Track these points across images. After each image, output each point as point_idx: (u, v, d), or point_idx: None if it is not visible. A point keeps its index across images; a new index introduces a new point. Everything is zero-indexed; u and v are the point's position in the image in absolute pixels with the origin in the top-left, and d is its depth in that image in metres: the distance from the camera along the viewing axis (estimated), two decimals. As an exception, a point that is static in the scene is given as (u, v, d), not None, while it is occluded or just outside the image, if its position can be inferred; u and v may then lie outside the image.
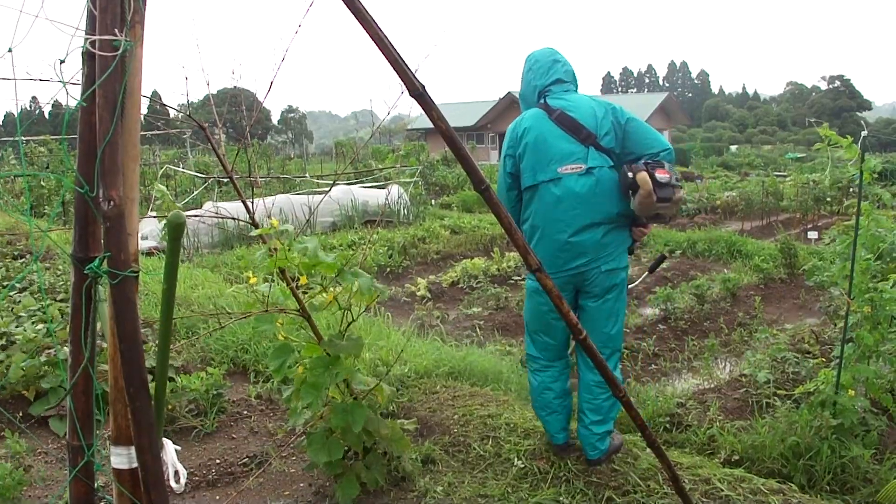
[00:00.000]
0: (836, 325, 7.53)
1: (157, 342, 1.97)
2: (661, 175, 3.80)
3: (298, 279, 3.82)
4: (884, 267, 5.51)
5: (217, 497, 4.16)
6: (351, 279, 3.67)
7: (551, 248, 4.06)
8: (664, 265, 11.07)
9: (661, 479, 4.17)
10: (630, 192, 3.91)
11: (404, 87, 1.87)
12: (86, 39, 1.59)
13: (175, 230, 1.71)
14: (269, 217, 3.94)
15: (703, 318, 8.60)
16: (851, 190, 16.87)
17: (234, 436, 4.92)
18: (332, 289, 3.89)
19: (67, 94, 1.60)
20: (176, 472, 1.85)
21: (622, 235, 4.18)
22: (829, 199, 16.74)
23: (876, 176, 5.09)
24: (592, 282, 4.09)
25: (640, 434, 5.18)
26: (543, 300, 4.11)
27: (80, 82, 1.66)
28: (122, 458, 1.78)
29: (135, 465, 1.71)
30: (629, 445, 4.59)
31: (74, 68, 1.68)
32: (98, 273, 1.62)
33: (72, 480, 1.80)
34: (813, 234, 13.07)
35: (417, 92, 1.87)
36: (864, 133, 5.01)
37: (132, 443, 1.68)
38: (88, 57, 1.62)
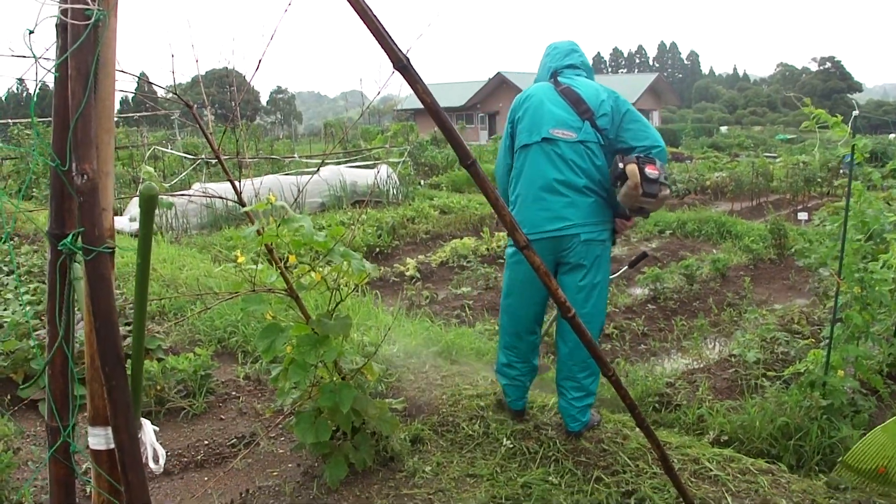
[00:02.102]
0: (825, 305, 7.54)
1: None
2: (650, 170, 3.90)
3: (287, 258, 3.78)
4: (874, 248, 5.50)
5: (205, 478, 4.13)
6: (340, 259, 3.63)
7: (535, 208, 4.12)
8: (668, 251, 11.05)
9: (650, 460, 4.17)
10: (618, 182, 4.02)
11: (389, 59, 1.82)
12: (58, 9, 1.54)
13: (147, 203, 1.66)
14: (257, 197, 3.90)
15: (693, 298, 8.60)
16: (842, 171, 16.92)
17: (222, 417, 4.89)
18: (320, 268, 3.85)
19: (38, 68, 1.55)
20: (155, 453, 1.80)
21: (606, 212, 4.23)
22: (819, 180, 16.75)
23: (867, 156, 5.07)
24: (571, 250, 4.11)
25: (629, 414, 5.23)
26: (521, 270, 4.22)
27: (54, 56, 1.62)
28: (99, 438, 1.74)
29: (112, 445, 1.67)
30: (618, 426, 4.59)
31: (50, 42, 1.64)
32: (72, 249, 1.57)
33: (50, 461, 1.76)
34: (803, 216, 13.06)
35: (402, 64, 1.82)
36: (855, 113, 4.99)
37: (109, 423, 1.64)
38: (61, 29, 1.57)
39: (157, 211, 5.76)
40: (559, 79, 4.35)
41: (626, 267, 5.95)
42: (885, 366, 5.51)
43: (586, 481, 4.03)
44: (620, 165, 3.96)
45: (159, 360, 5.15)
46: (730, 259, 9.88)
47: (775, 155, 25.40)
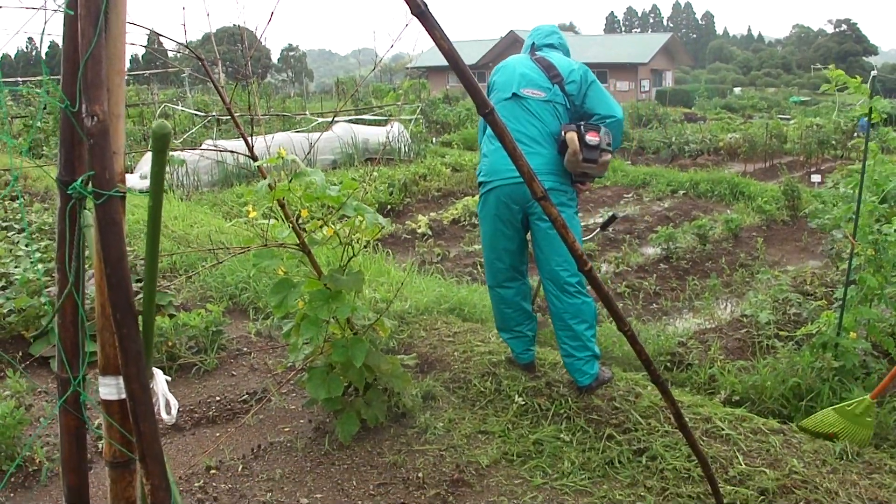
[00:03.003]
0: (838, 267, 7.48)
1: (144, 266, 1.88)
2: (590, 137, 4.20)
3: (299, 213, 3.75)
4: (887, 210, 5.44)
5: (217, 434, 4.15)
6: (354, 213, 3.60)
7: (502, 158, 4.11)
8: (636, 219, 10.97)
9: (661, 418, 4.16)
10: (562, 149, 4.27)
11: (406, 5, 1.77)
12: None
13: (159, 142, 1.60)
14: (268, 153, 3.86)
15: (705, 258, 8.54)
16: (856, 134, 16.73)
17: (233, 373, 4.90)
18: (332, 224, 3.82)
19: (46, 16, 1.53)
20: (167, 403, 1.77)
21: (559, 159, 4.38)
22: (833, 142, 16.56)
23: (885, 116, 4.98)
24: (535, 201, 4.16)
25: (641, 372, 5.21)
26: (488, 223, 4.46)
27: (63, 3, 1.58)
28: (110, 388, 1.72)
29: (123, 395, 1.64)
30: (630, 384, 4.57)
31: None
32: (82, 193, 1.54)
33: (61, 413, 1.74)
34: (816, 178, 12.94)
35: (419, 10, 1.77)
36: (873, 73, 4.91)
37: (120, 372, 1.61)
38: (71, -31, 1.53)
39: (168, 168, 5.73)
40: (536, 52, 4.65)
41: (599, 230, 5.98)
42: (896, 327, 5.47)
43: (598, 439, 4.03)
44: (562, 133, 4.23)
45: (171, 316, 5.15)
46: (743, 220, 9.78)
47: (789, 117, 25.14)
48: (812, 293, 6.80)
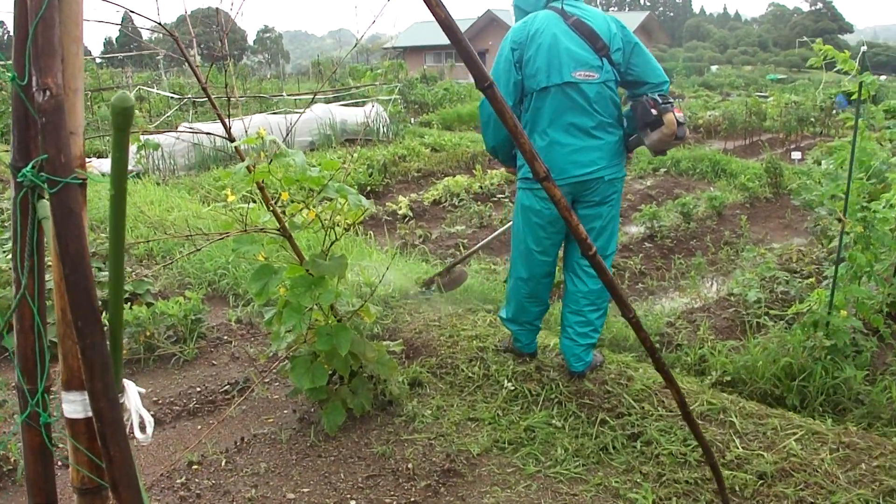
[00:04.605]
0: (823, 244, 7.42)
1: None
2: (679, 115, 3.89)
3: (279, 196, 3.60)
4: (874, 186, 5.38)
5: (198, 427, 4.00)
6: (336, 194, 3.46)
7: (560, 155, 3.91)
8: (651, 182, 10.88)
9: (655, 402, 4.07)
10: (647, 127, 3.94)
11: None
12: None
13: (120, 117, 1.36)
14: (246, 134, 3.72)
15: (690, 236, 8.47)
16: (835, 111, 16.74)
17: (214, 362, 4.75)
18: (313, 206, 3.68)
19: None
20: (141, 420, 1.55)
21: (623, 148, 4.10)
22: (812, 119, 16.55)
23: (874, 94, 4.91)
24: (594, 190, 4.01)
25: (632, 353, 5.12)
26: (538, 213, 4.06)
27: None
28: (75, 405, 1.51)
29: (90, 413, 1.43)
30: (622, 366, 4.48)
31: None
32: (34, 181, 1.35)
33: (23, 428, 1.56)
34: (796, 155, 12.91)
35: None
36: (863, 49, 4.83)
37: (86, 387, 1.40)
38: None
39: (143, 153, 5.50)
40: (565, 8, 4.03)
41: None
42: (885, 306, 5.41)
43: (591, 424, 3.94)
44: (654, 112, 3.87)
45: (148, 304, 4.99)
46: (726, 197, 9.71)
47: (766, 94, 25.17)
48: (798, 271, 6.74)
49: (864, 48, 4.79)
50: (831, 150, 11.94)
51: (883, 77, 33.54)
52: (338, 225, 3.81)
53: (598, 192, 4.03)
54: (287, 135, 5.76)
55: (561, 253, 4.37)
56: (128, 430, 1.49)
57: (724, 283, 6.97)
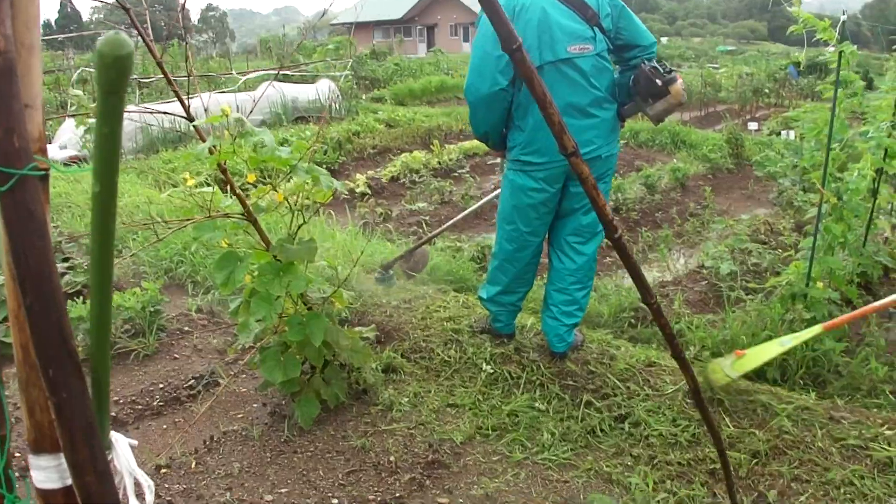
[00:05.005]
0: (790, 215, 7.39)
1: (89, 276, 1.10)
2: (681, 82, 3.78)
3: (246, 178, 3.38)
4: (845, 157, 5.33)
5: (164, 426, 3.76)
6: (306, 175, 3.26)
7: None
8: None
9: (640, 381, 3.96)
10: (651, 98, 3.76)
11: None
12: None
13: (112, 72, 0.94)
14: (207, 112, 3.49)
15: (655, 208, 8.40)
16: (788, 83, 16.86)
17: (176, 355, 4.49)
18: (281, 188, 3.47)
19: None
20: (137, 485, 1.23)
21: (618, 121, 3.90)
22: (766, 90, 16.63)
23: (852, 68, 4.85)
24: (591, 169, 3.80)
25: (608, 329, 5.01)
26: (532, 193, 3.86)
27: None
28: (48, 472, 1.12)
29: (69, 482, 1.06)
30: (603, 345, 4.36)
31: None
32: None
33: None
34: (753, 125, 12.97)
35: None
36: (843, 17, 4.77)
37: (60, 448, 1.05)
38: None
39: (87, 136, 5.18)
40: None
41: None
42: (855, 275, 5.38)
43: (576, 406, 3.81)
44: (659, 83, 3.69)
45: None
46: (688, 169, 9.66)
47: (717, 66, 25.29)
48: (766, 242, 6.69)
49: (843, 17, 4.72)
50: (787, 120, 11.98)
51: (831, 48, 33.92)
52: (306, 207, 3.61)
53: (594, 169, 3.83)
54: (250, 113, 5.50)
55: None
56: (121, 496, 1.16)
57: (693, 256, 6.90)
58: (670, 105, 3.77)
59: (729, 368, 3.82)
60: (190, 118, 3.28)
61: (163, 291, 5.02)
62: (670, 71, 3.73)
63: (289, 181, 3.48)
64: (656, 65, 3.73)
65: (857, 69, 5.16)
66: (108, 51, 0.91)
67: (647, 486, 3.19)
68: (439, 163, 10.63)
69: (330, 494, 3.19)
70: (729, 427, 3.53)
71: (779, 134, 11.38)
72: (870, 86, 11.46)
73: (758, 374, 4.42)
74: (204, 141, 3.20)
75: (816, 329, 3.89)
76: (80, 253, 5.75)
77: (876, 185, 5.32)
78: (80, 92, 4.52)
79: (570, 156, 1.64)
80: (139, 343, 4.47)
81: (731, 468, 3.23)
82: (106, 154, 1.01)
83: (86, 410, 1.00)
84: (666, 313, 5.13)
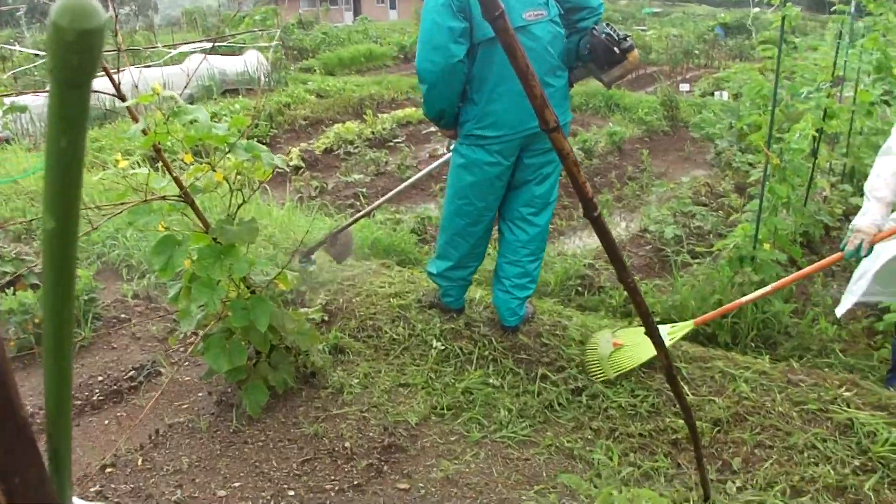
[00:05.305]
0: (729, 176, 7.42)
1: (43, 300, 0.74)
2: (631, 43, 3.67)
3: (181, 158, 3.18)
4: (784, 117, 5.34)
5: (106, 422, 3.56)
6: (246, 154, 3.08)
7: (514, 106, 3.55)
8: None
9: (595, 353, 3.90)
10: (606, 65, 3.63)
11: None
12: None
13: (74, 51, 0.63)
14: (136, 89, 3.29)
15: (593, 173, 8.35)
16: (717, 44, 17.01)
17: (114, 345, 4.27)
18: (220, 167, 3.28)
19: None
20: None
21: (568, 88, 3.79)
22: (696, 52, 16.73)
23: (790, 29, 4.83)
24: (544, 139, 3.67)
25: (555, 298, 4.94)
26: (485, 169, 3.72)
27: None
28: None
29: None
30: (554, 316, 4.29)
31: None
32: None
33: None
34: (685, 87, 13.01)
35: None
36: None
37: None
38: None
39: (8, 117, 4.86)
40: None
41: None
42: (798, 235, 5.42)
43: (531, 381, 3.73)
44: (617, 51, 3.56)
45: (34, 287, 4.49)
46: (624, 132, 9.62)
47: (645, 28, 25.43)
48: (707, 204, 6.70)
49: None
50: (719, 81, 12.08)
51: (756, 9, 34.41)
52: (245, 186, 3.43)
53: (546, 139, 3.71)
54: (186, 85, 5.25)
55: None
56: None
57: (634, 220, 6.88)
58: (626, 70, 3.68)
59: (607, 364, 3.74)
60: (121, 97, 3.07)
61: (97, 277, 4.79)
62: (625, 37, 3.61)
63: (228, 159, 3.30)
64: (610, 31, 3.60)
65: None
66: (69, 24, 0.62)
67: (611, 460, 3.13)
68: (373, 133, 10.44)
69: (285, 486, 3.06)
70: (689, 395, 3.49)
71: (712, 94, 11.43)
72: (795, 46, 11.60)
73: (709, 338, 4.42)
74: (136, 121, 3.00)
75: (688, 324, 3.81)
76: (8, 240, 5.46)
77: (816, 146, 5.34)
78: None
79: (552, 131, 1.52)
80: (74, 334, 4.24)
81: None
82: (63, 177, 0.73)
83: (45, 497, 0.81)
84: (612, 280, 5.13)
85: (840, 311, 4.00)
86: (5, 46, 15.61)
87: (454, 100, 3.61)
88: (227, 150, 3.08)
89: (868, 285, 3.83)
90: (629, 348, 3.72)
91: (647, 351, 3.54)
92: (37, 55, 15.07)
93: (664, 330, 3.68)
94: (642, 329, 3.33)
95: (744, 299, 3.82)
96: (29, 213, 6.08)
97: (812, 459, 3.07)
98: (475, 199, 3.82)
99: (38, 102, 10.28)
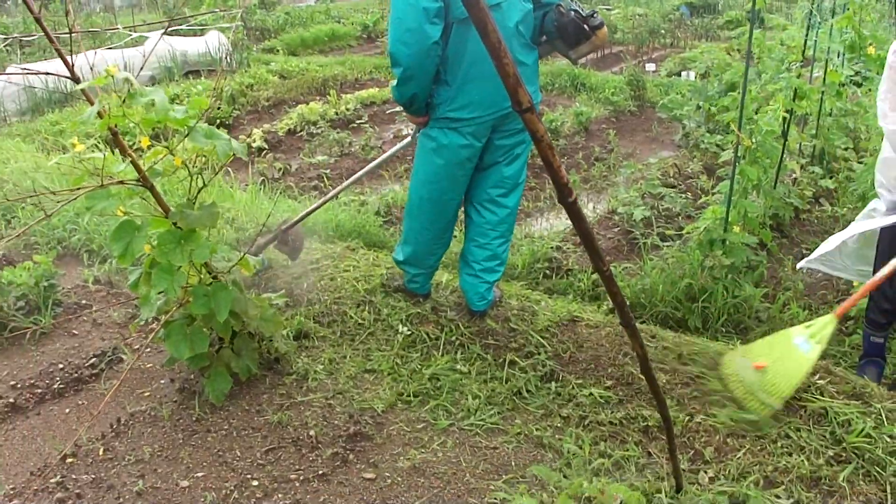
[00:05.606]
0: (697, 157, 7.40)
1: None
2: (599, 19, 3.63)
3: (138, 142, 3.07)
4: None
5: (66, 410, 3.47)
6: (206, 141, 2.98)
7: (488, 86, 3.46)
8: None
9: (564, 338, 3.89)
10: (575, 42, 3.59)
11: None
12: None
13: None
14: (93, 71, 3.16)
15: (560, 153, 8.27)
16: (682, 23, 17.00)
17: (74, 332, 4.15)
18: (179, 151, 3.17)
19: None
20: None
21: (537, 65, 3.72)
22: (662, 31, 16.69)
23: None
24: (515, 119, 3.60)
25: (522, 281, 4.89)
26: (453, 152, 3.64)
27: None
28: None
29: None
30: (523, 300, 4.25)
31: None
32: None
33: None
34: (651, 66, 12.96)
35: None
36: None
37: None
38: None
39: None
40: None
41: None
42: (768, 218, 5.41)
43: (499, 367, 3.69)
44: (587, 28, 3.51)
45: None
46: (591, 112, 9.55)
47: (610, 7, 25.39)
48: (676, 185, 6.67)
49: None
50: (685, 61, 12.06)
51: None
52: (205, 168, 3.33)
53: (518, 119, 3.63)
54: (141, 69, 5.11)
55: None
56: None
57: (601, 202, 6.84)
58: (595, 47, 3.65)
59: (762, 394, 3.07)
60: (75, 79, 2.95)
61: (56, 263, 4.65)
62: (593, 14, 3.55)
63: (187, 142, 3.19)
64: (577, 7, 3.53)
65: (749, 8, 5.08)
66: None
67: (581, 449, 3.08)
68: (336, 113, 10.29)
69: (249, 476, 2.99)
70: (661, 382, 3.46)
71: (678, 74, 11.39)
72: (761, 23, 11.60)
73: (678, 323, 4.39)
74: (92, 104, 2.88)
75: (830, 320, 3.38)
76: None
77: (786, 127, 5.33)
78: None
79: (525, 112, 1.46)
80: (34, 320, 4.12)
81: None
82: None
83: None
84: (580, 263, 5.09)
85: (802, 264, 3.95)
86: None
87: (428, 83, 3.49)
88: (185, 133, 2.98)
89: (837, 258, 3.81)
90: (775, 366, 3.15)
91: (797, 361, 3.08)
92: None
93: (803, 332, 3.10)
94: (768, 338, 3.15)
95: (878, 276, 3.22)
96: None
97: (786, 449, 3.05)
98: (445, 183, 3.74)
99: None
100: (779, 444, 3.07)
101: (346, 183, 4.71)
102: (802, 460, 2.99)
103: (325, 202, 4.66)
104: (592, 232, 1.74)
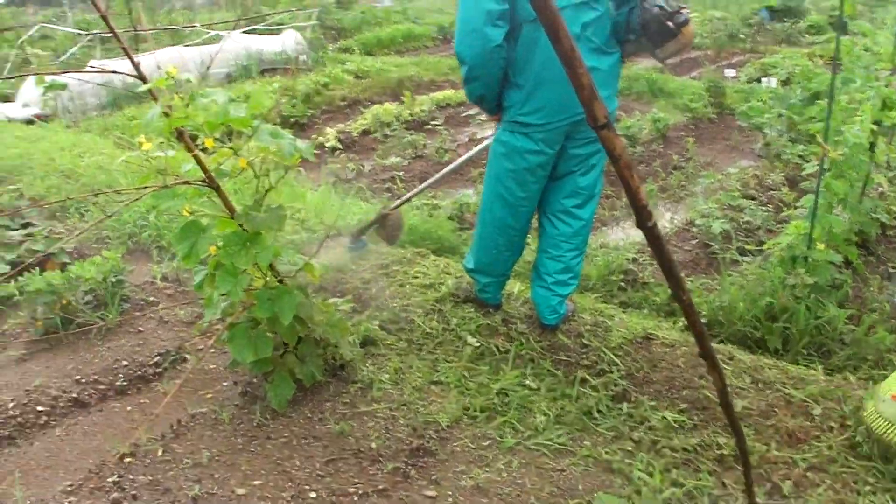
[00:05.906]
0: (779, 168, 7.13)
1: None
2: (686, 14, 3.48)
3: (202, 142, 3.02)
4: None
5: (128, 408, 3.45)
6: (270, 140, 2.92)
7: (561, 91, 3.34)
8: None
9: (638, 357, 3.73)
10: (661, 41, 3.44)
11: None
12: None
13: None
14: (159, 70, 3.13)
15: (637, 161, 8.08)
16: (762, 28, 16.54)
17: (140, 328, 4.14)
18: (245, 152, 3.11)
19: None
20: None
21: (619, 67, 3.57)
22: (742, 36, 16.27)
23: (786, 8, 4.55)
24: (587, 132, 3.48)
25: (597, 294, 4.74)
26: (525, 157, 3.53)
27: None
28: None
29: None
30: (596, 315, 4.10)
31: None
32: None
33: None
34: (730, 72, 12.60)
35: None
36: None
37: None
38: None
39: (49, 94, 4.85)
40: None
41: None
42: (853, 234, 5.15)
43: (569, 384, 3.55)
44: (671, 26, 3.37)
45: (63, 266, 4.38)
46: (669, 119, 9.31)
47: (688, 10, 24.86)
48: (756, 197, 6.43)
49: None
50: (766, 66, 11.70)
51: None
52: (273, 169, 3.26)
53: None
54: (209, 67, 5.13)
55: None
56: None
57: (679, 212, 6.63)
58: (681, 45, 3.48)
59: None
60: (142, 78, 2.91)
61: (126, 258, 4.68)
62: (679, 10, 3.39)
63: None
64: (662, 3, 3.37)
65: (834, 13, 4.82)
66: None
67: (652, 476, 2.93)
68: (411, 115, 10.24)
69: (307, 487, 2.91)
70: (738, 409, 3.29)
71: (758, 81, 11.04)
72: (844, 29, 11.19)
73: (756, 343, 4.19)
74: (157, 103, 2.84)
75: None
76: (42, 217, 5.36)
77: (873, 139, 5.07)
78: (39, 50, 4.14)
79: (601, 129, 1.34)
80: (101, 315, 4.13)
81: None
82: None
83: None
84: (656, 276, 4.91)
85: None
86: (47, 25, 15.61)
87: (494, 85, 3.41)
88: (250, 134, 2.92)
89: None
90: None
91: None
92: (78, 34, 15.09)
93: None
94: None
95: None
96: (63, 190, 5.99)
97: (870, 489, 2.85)
98: (517, 189, 3.62)
99: (76, 80, 10.30)
100: (864, 481, 2.87)
101: (431, 179, 4.71)
102: (888, 499, 2.80)
103: (413, 195, 4.74)
104: (673, 258, 1.61)
